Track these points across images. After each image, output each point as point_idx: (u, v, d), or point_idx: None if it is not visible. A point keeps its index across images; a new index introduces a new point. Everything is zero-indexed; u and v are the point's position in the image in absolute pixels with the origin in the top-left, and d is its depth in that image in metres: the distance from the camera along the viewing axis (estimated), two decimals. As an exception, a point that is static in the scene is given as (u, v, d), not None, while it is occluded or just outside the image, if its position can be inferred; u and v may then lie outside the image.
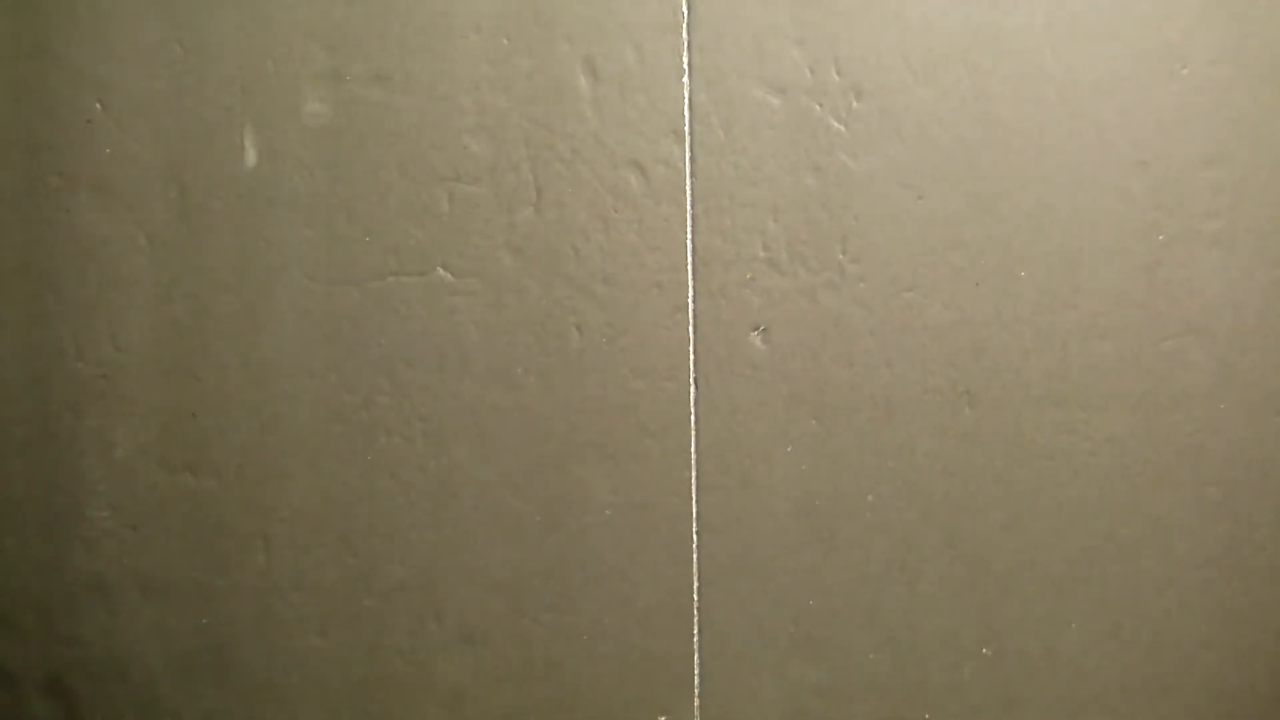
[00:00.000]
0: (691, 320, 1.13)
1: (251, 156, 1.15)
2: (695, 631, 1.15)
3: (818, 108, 1.12)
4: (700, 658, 1.15)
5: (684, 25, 1.12)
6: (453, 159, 1.14)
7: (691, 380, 1.13)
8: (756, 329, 1.13)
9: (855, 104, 1.11)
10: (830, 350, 1.13)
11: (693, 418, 1.14)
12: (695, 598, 1.15)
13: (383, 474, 1.16)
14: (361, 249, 1.15)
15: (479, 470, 1.15)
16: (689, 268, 1.13)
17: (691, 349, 1.13)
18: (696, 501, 1.14)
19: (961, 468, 1.13)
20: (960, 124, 1.11)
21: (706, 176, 1.12)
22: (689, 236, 1.13)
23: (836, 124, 1.11)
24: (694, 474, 1.14)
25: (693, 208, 1.13)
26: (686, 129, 1.12)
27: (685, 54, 1.12)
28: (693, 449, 1.14)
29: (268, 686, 1.17)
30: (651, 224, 1.13)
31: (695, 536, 1.14)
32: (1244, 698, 1.13)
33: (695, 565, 1.14)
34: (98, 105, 1.15)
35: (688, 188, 1.13)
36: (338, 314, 1.15)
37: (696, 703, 1.15)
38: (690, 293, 1.13)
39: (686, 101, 1.12)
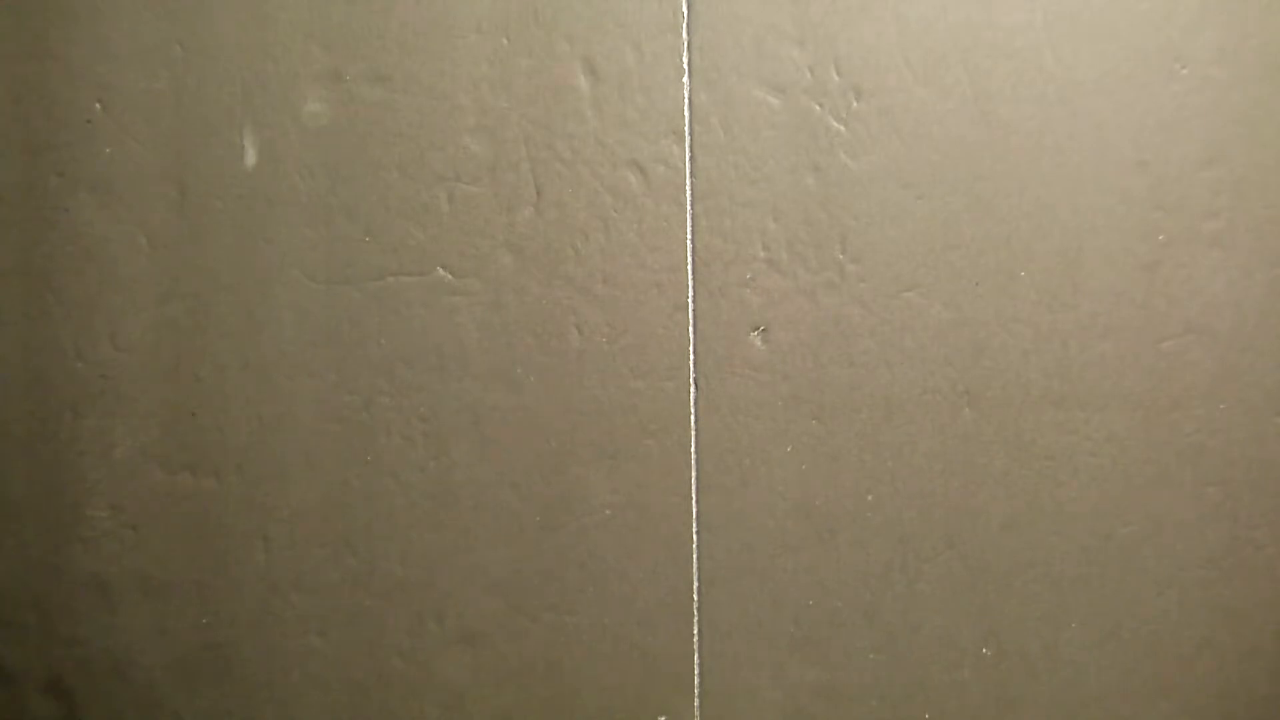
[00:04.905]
0: (691, 320, 1.13)
1: (251, 156, 1.15)
2: (695, 631, 1.15)
3: (818, 108, 1.12)
4: (700, 658, 1.15)
5: (684, 25, 1.12)
6: (453, 159, 1.14)
7: (691, 380, 1.13)
8: (756, 329, 1.13)
9: (855, 104, 1.11)
10: (830, 350, 1.13)
11: (693, 418, 1.14)
12: (695, 598, 1.15)
13: (383, 474, 1.16)
14: (361, 249, 1.15)
15: (479, 470, 1.15)
16: (689, 268, 1.13)
17: (691, 349, 1.13)
18: (696, 501, 1.14)
19: (961, 468, 1.13)
20: (960, 124, 1.11)
21: (706, 176, 1.12)
22: (689, 236, 1.13)
23: (836, 124, 1.11)
24: (694, 474, 1.14)
25: (693, 208, 1.13)
26: (686, 129, 1.12)
27: (685, 54, 1.12)
28: (693, 449, 1.14)
29: (268, 686, 1.17)
30: (651, 224, 1.13)
31: (695, 536, 1.14)
32: (1244, 698, 1.13)
33: (695, 565, 1.14)
34: (98, 105, 1.15)
35: (688, 188, 1.13)
36: (338, 314, 1.15)
37: (696, 703, 1.15)
38: (690, 293, 1.13)
39: (686, 101, 1.12)
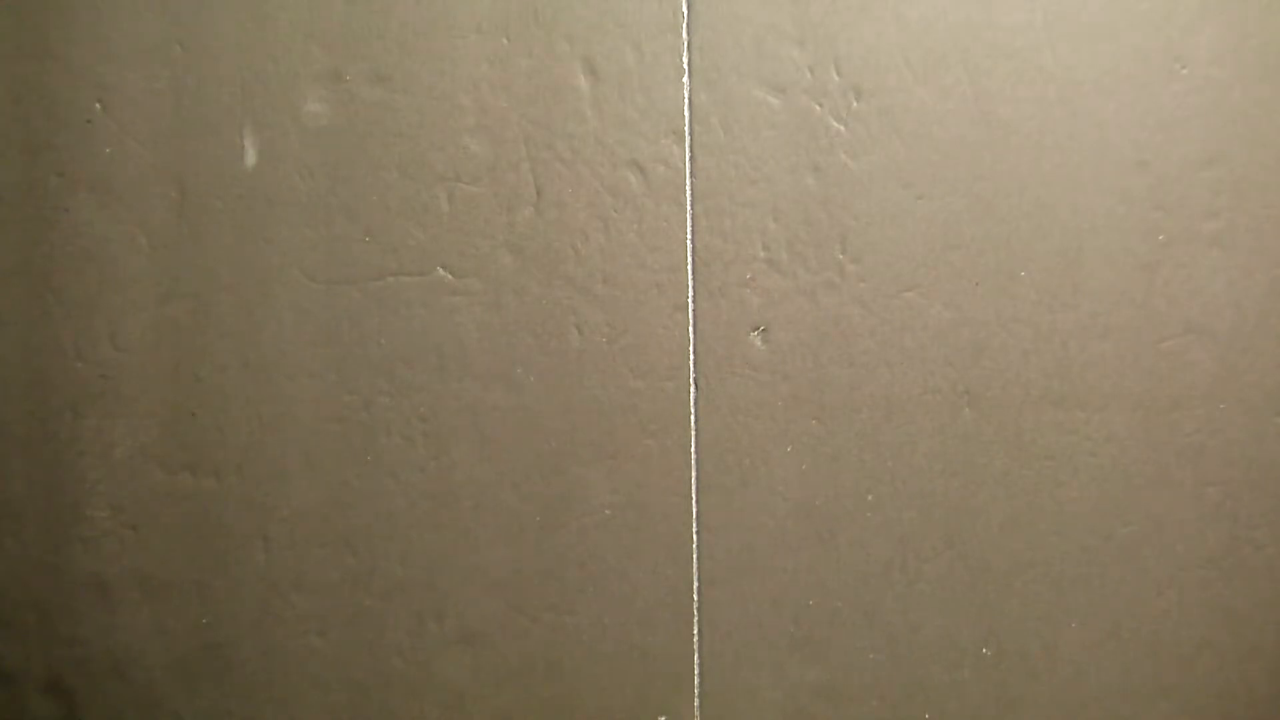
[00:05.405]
0: (691, 320, 1.13)
1: (251, 156, 1.15)
2: (695, 631, 1.15)
3: (818, 108, 1.12)
4: (700, 658, 1.15)
5: (684, 25, 1.12)
6: (453, 159, 1.14)
7: (691, 380, 1.13)
8: (756, 329, 1.13)
9: (855, 104, 1.11)
10: (830, 350, 1.13)
11: (693, 418, 1.14)
12: (695, 598, 1.15)
13: (383, 474, 1.16)
14: (361, 249, 1.15)
15: (479, 470, 1.15)
16: (689, 268, 1.13)
17: (691, 349, 1.13)
18: (696, 501, 1.14)
19: (961, 468, 1.13)
20: (960, 124, 1.11)
21: (706, 176, 1.12)
22: (689, 236, 1.13)
23: (836, 124, 1.11)
24: (694, 474, 1.14)
25: (693, 208, 1.13)
26: (686, 129, 1.12)
27: (685, 54, 1.12)
28: (693, 449, 1.14)
29: (268, 686, 1.17)
30: (651, 224, 1.13)
31: (695, 536, 1.14)
32: (1244, 698, 1.13)
33: (695, 565, 1.14)
34: (98, 105, 1.15)
35: (688, 188, 1.13)
36: (338, 314, 1.15)
37: (696, 703, 1.15)
38: (690, 293, 1.13)
39: (686, 101, 1.12)
